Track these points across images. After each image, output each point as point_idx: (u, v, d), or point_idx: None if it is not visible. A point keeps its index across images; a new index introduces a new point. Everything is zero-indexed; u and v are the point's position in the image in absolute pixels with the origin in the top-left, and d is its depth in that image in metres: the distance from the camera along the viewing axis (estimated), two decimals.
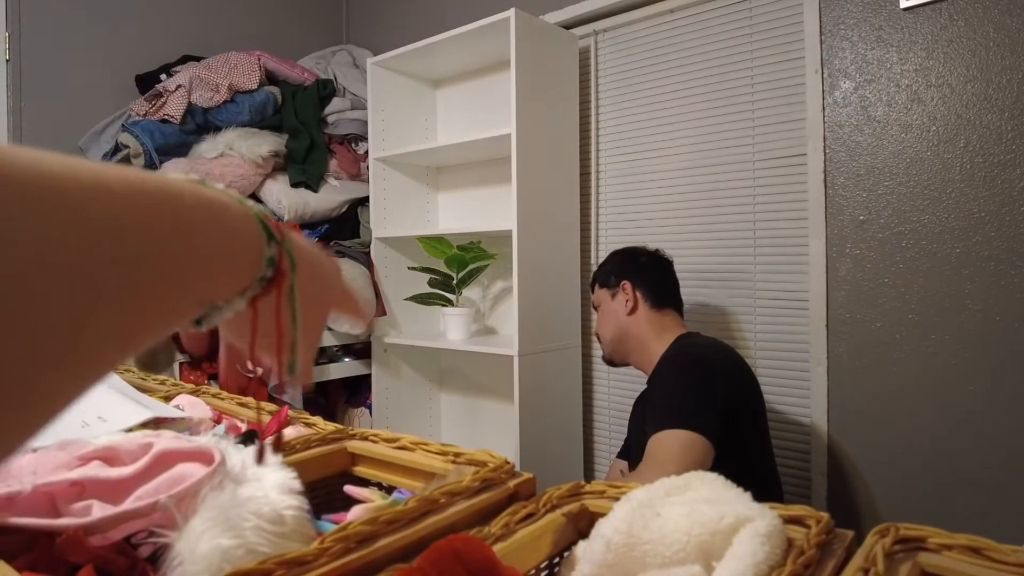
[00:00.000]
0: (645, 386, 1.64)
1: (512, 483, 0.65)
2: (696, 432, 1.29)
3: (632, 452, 1.66)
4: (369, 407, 2.44)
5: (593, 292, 1.75)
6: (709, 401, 1.36)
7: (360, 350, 2.44)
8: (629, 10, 2.23)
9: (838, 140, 1.79)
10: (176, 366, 1.94)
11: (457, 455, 0.71)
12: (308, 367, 0.44)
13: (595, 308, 1.75)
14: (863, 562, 0.51)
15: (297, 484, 0.55)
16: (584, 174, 2.33)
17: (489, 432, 2.50)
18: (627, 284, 1.64)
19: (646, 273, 1.67)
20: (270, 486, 0.55)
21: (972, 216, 1.59)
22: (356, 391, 2.53)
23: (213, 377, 1.97)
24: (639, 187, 2.22)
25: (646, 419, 1.43)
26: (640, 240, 1.89)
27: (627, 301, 1.63)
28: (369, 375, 2.44)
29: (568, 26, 2.35)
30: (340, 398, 2.52)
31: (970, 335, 1.60)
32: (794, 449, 1.87)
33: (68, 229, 0.21)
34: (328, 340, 2.29)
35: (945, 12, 1.62)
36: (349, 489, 0.64)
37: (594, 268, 2.13)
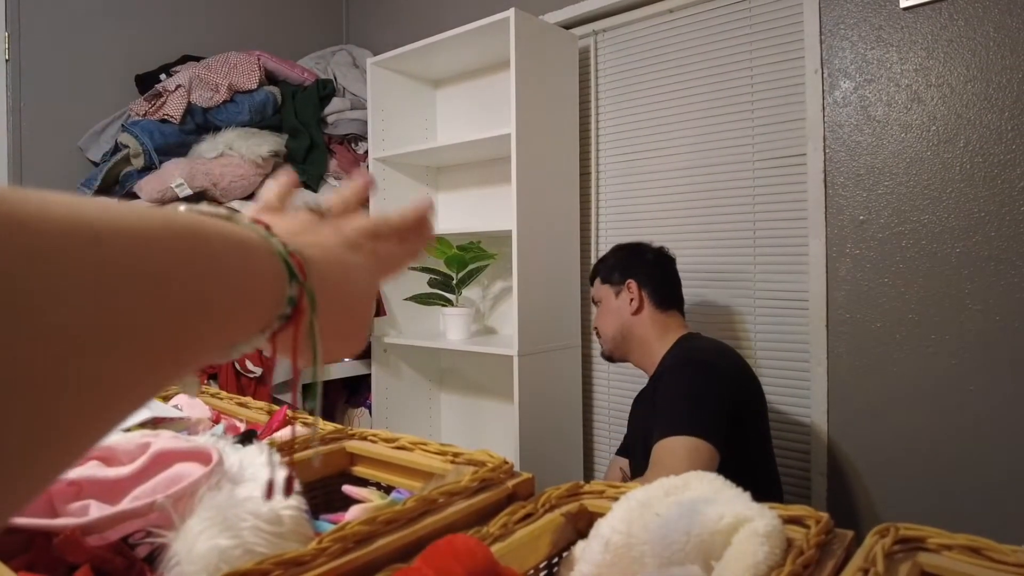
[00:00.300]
0: (645, 384, 1.64)
1: (511, 483, 0.65)
2: (702, 438, 1.29)
3: (632, 451, 1.66)
4: (369, 407, 2.44)
5: (593, 285, 1.73)
6: (714, 405, 1.36)
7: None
8: (629, 10, 2.22)
9: (838, 140, 1.79)
10: None
11: (456, 455, 0.71)
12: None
13: (595, 302, 1.73)
14: (863, 562, 0.51)
15: (295, 484, 0.55)
16: (584, 174, 2.33)
17: (489, 432, 2.50)
18: (633, 283, 1.63)
19: (652, 272, 1.66)
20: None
21: (972, 216, 1.59)
22: (356, 391, 2.53)
23: (213, 377, 1.97)
24: (639, 187, 2.22)
25: (650, 422, 1.43)
26: (640, 240, 1.87)
27: (632, 300, 1.62)
28: (369, 375, 2.44)
29: (568, 26, 2.35)
30: (340, 398, 2.52)
31: (970, 335, 1.59)
32: (794, 449, 1.87)
33: (89, 280, 0.20)
34: None
35: (945, 12, 1.62)
36: (347, 489, 0.64)
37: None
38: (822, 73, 1.80)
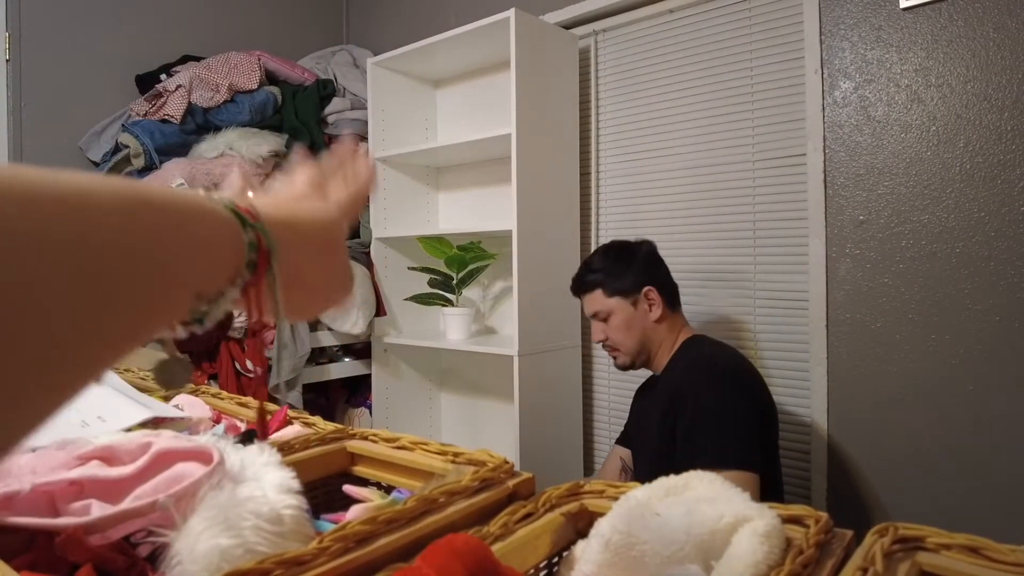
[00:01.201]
0: (644, 375, 1.65)
1: (511, 483, 0.65)
2: (750, 471, 1.30)
3: (636, 444, 1.65)
4: (369, 407, 2.44)
5: (587, 296, 1.63)
6: (753, 431, 1.37)
7: (360, 350, 2.44)
8: (629, 10, 2.23)
9: (838, 140, 1.79)
10: None
11: (456, 455, 0.71)
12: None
13: (597, 316, 1.61)
14: (862, 561, 0.51)
15: (296, 484, 0.55)
16: (584, 174, 2.33)
17: (489, 432, 2.50)
18: (652, 291, 1.57)
19: (658, 271, 1.61)
20: (269, 486, 0.55)
21: (972, 216, 1.59)
22: (356, 391, 2.53)
23: (213, 377, 1.97)
24: (639, 187, 2.22)
25: (682, 435, 1.40)
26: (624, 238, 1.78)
27: (652, 307, 1.56)
28: (369, 375, 2.44)
29: (568, 26, 2.35)
30: (340, 398, 2.52)
31: (970, 335, 1.59)
32: (794, 449, 1.87)
33: (68, 228, 0.23)
34: (328, 340, 2.29)
35: (945, 12, 1.62)
36: (348, 489, 0.64)
37: None
38: (822, 73, 1.81)
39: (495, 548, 0.56)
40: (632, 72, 2.24)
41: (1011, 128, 1.54)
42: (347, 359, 2.42)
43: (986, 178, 1.58)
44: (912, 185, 1.68)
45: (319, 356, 2.28)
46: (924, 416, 1.66)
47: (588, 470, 2.31)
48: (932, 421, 1.64)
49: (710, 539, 0.54)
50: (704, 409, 1.39)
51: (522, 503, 0.62)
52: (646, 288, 1.57)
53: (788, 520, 0.59)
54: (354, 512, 0.60)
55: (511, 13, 2.02)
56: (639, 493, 0.59)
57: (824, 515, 0.60)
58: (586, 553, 0.57)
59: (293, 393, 2.03)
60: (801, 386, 1.87)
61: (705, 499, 0.58)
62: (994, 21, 1.56)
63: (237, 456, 0.60)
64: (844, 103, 1.78)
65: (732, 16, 2.00)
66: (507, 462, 0.66)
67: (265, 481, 0.55)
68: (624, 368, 1.65)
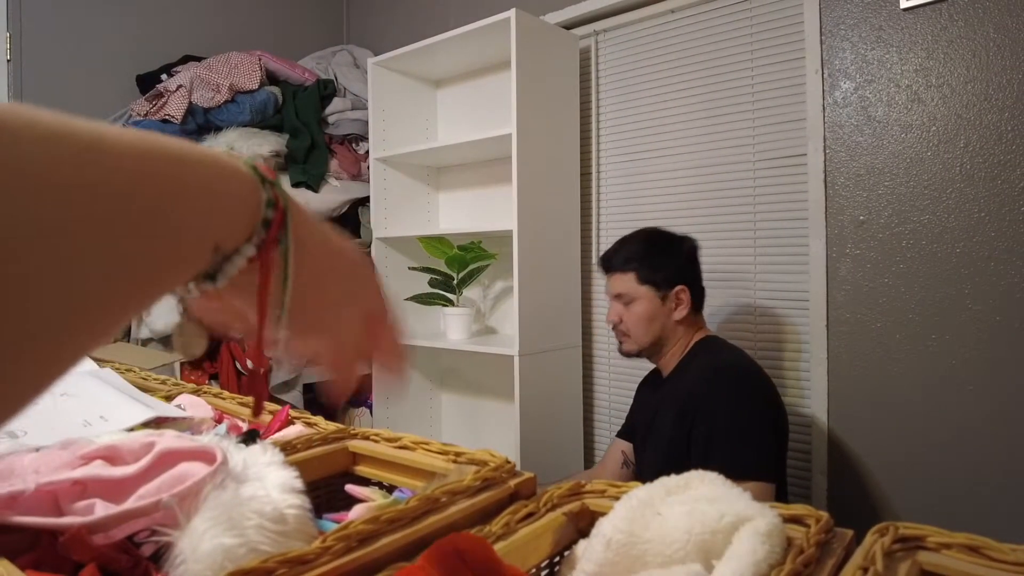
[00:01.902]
0: (646, 367, 1.65)
1: (513, 482, 0.65)
2: (767, 481, 1.32)
3: (640, 439, 1.64)
4: (370, 407, 2.44)
5: (614, 274, 1.59)
6: (769, 439, 1.39)
7: None
8: (630, 10, 2.23)
9: (838, 140, 1.79)
10: (177, 366, 1.94)
11: (458, 455, 0.71)
12: (344, 374, 0.43)
13: (621, 299, 1.58)
14: (862, 561, 0.51)
15: (299, 483, 0.56)
16: (585, 174, 2.33)
17: (490, 432, 2.50)
18: (684, 291, 1.54)
19: (696, 273, 1.59)
20: (272, 485, 0.55)
21: (972, 216, 1.60)
22: (358, 391, 2.52)
23: (214, 377, 1.97)
24: (640, 187, 2.23)
25: (699, 442, 1.40)
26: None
27: (679, 307, 1.54)
28: (370, 375, 2.44)
29: (569, 26, 2.35)
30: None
31: (970, 336, 1.60)
32: (794, 448, 1.87)
33: (84, 172, 0.23)
34: None
35: (945, 12, 1.62)
36: (350, 488, 0.65)
37: (595, 265, 2.13)
38: (823, 73, 1.81)
39: (497, 548, 0.56)
40: (633, 72, 2.24)
41: (1011, 129, 1.55)
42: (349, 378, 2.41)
43: (986, 178, 1.58)
44: (912, 185, 1.68)
45: None
46: (924, 416, 1.66)
47: (591, 466, 2.31)
48: (932, 421, 1.65)
49: (711, 539, 0.54)
50: (723, 418, 1.38)
51: (523, 503, 0.62)
52: (679, 287, 1.54)
53: (789, 520, 0.60)
54: (356, 512, 0.60)
55: (511, 13, 2.02)
56: (641, 492, 0.59)
57: (825, 515, 0.61)
58: (588, 553, 0.57)
59: (294, 393, 2.04)
60: (802, 386, 1.87)
61: (706, 498, 0.58)
62: (995, 22, 1.56)
63: (240, 456, 0.60)
64: (844, 103, 1.78)
65: (733, 16, 2.00)
66: (508, 462, 0.66)
67: (268, 481, 0.56)
68: (627, 355, 1.63)
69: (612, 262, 1.61)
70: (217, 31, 2.78)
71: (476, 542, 0.47)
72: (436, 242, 2.26)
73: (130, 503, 0.52)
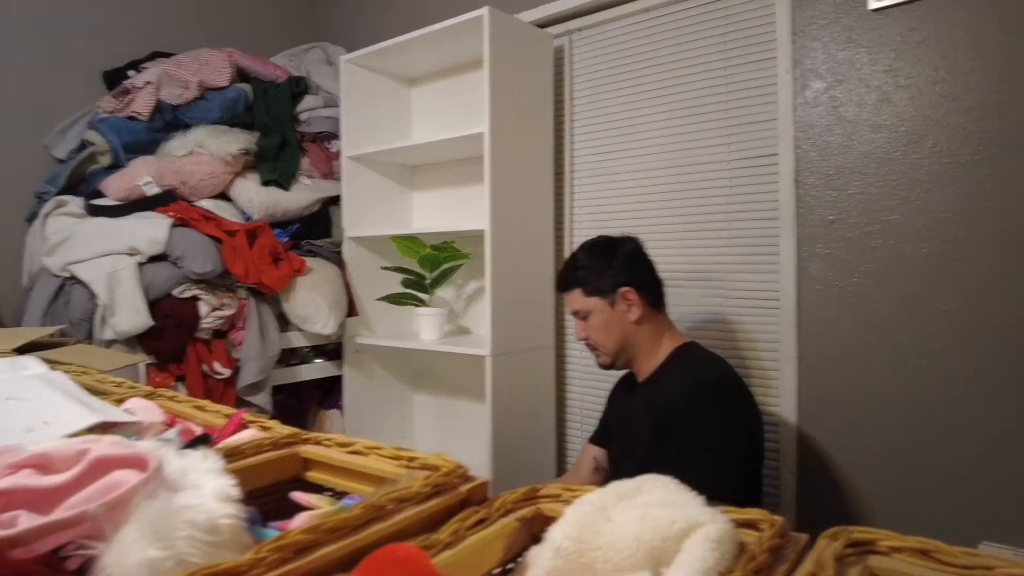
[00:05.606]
0: (627, 373, 1.64)
1: (464, 488, 0.64)
2: (730, 497, 1.30)
3: (616, 446, 1.63)
4: (341, 409, 2.42)
5: (568, 294, 1.61)
6: (739, 455, 1.39)
7: (332, 351, 2.41)
8: (604, 9, 2.22)
9: (809, 140, 1.79)
10: (142, 368, 1.90)
11: (411, 459, 0.69)
12: None
13: (578, 314, 1.59)
14: (812, 567, 0.50)
15: (236, 491, 0.54)
16: (558, 173, 2.32)
17: (463, 433, 2.49)
18: (630, 292, 1.53)
19: (641, 271, 1.57)
20: (208, 494, 0.53)
21: (939, 217, 1.60)
22: (329, 393, 2.50)
23: (180, 379, 1.93)
24: (614, 187, 2.22)
25: (662, 446, 1.40)
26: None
27: (631, 307, 1.53)
28: (341, 376, 2.42)
29: (543, 25, 2.34)
30: (312, 400, 2.49)
31: (938, 335, 1.60)
32: (765, 447, 1.87)
33: None
34: (299, 341, 2.26)
35: (914, 14, 1.63)
36: (295, 495, 0.63)
37: None
38: (794, 73, 1.81)
39: (444, 556, 0.55)
40: (607, 71, 2.24)
41: (977, 129, 1.56)
42: (319, 360, 2.38)
43: (953, 179, 1.59)
44: (881, 185, 1.69)
45: (290, 357, 2.25)
46: (893, 414, 1.67)
47: (561, 471, 2.30)
48: (901, 419, 1.65)
49: (662, 545, 0.53)
50: (697, 436, 1.36)
51: (475, 509, 0.61)
52: (623, 289, 1.53)
53: (743, 524, 0.59)
54: (299, 520, 0.58)
55: (485, 11, 2.00)
56: (592, 498, 0.58)
57: (780, 519, 0.60)
58: (537, 560, 0.56)
59: (262, 395, 2.00)
60: (772, 384, 1.87)
61: (658, 504, 0.57)
62: (963, 23, 1.57)
63: (178, 463, 0.58)
64: (815, 103, 1.79)
65: (706, 16, 2.00)
66: (460, 467, 0.64)
67: (205, 489, 0.54)
68: (605, 367, 1.62)
69: (561, 282, 1.64)
70: (187, 28, 2.73)
71: (413, 553, 0.45)
72: (409, 242, 2.24)
73: (57, 514, 0.50)
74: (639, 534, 0.54)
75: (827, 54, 1.77)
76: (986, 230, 1.54)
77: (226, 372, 1.94)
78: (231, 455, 0.71)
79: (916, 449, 1.63)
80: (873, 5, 1.68)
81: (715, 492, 1.30)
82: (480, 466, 2.01)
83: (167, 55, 2.51)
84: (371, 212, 2.50)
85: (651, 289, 1.57)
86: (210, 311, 1.95)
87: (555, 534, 0.56)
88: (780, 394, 1.84)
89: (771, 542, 0.56)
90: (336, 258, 2.37)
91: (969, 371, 1.56)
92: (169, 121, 2.33)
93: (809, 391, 1.79)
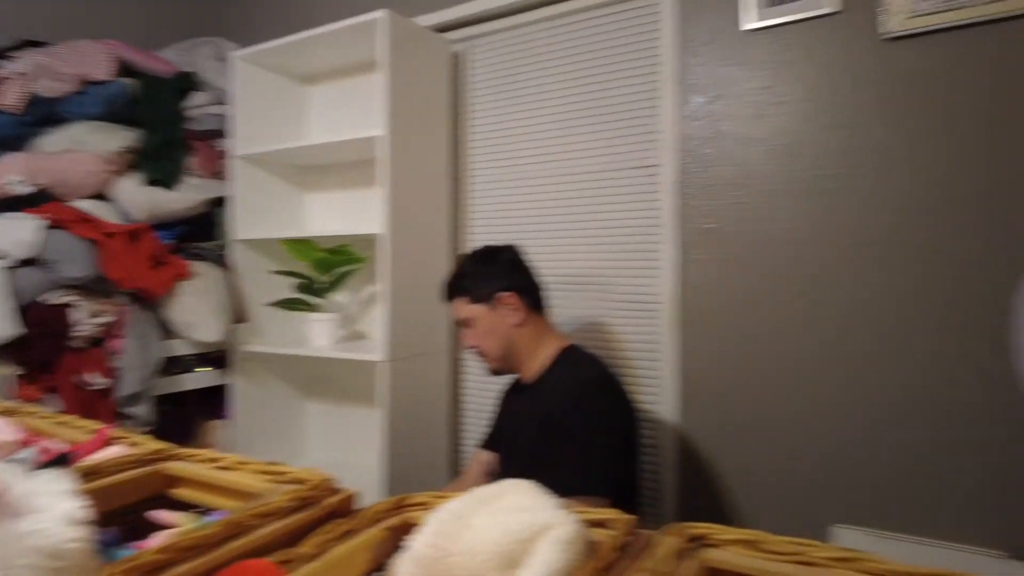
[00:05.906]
0: (515, 378, 1.67)
1: (332, 500, 0.64)
2: (603, 496, 1.33)
3: (505, 449, 1.66)
4: (228, 419, 2.33)
5: (452, 303, 1.65)
6: (613, 454, 1.42)
7: (218, 359, 2.32)
8: (501, 17, 2.25)
9: (689, 152, 1.89)
10: (13, 380, 1.78)
11: (281, 473, 0.69)
12: None
13: (461, 323, 1.64)
14: (650, 562, 0.55)
15: (83, 514, 0.52)
16: (455, 178, 2.34)
17: (358, 441, 2.45)
18: (511, 296, 1.57)
19: (521, 277, 1.62)
20: (54, 517, 0.51)
21: (810, 225, 1.73)
22: (216, 403, 2.39)
23: (53, 391, 1.82)
24: (509, 193, 2.26)
25: (540, 443, 1.44)
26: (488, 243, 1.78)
27: (514, 311, 1.57)
28: (228, 385, 2.34)
29: (441, 30, 2.35)
30: (197, 411, 2.37)
31: (809, 338, 1.73)
32: (645, 445, 1.95)
33: None
34: (182, 348, 2.16)
35: (786, 36, 1.75)
36: (153, 514, 0.62)
37: None
38: (677, 88, 1.90)
39: (307, 568, 0.55)
40: (503, 78, 2.27)
41: (836, 147, 1.69)
42: (205, 369, 2.29)
43: (819, 192, 1.71)
44: (755, 196, 1.80)
45: (173, 366, 2.15)
46: (769, 412, 1.78)
47: (456, 476, 2.32)
48: (779, 417, 1.77)
49: (517, 548, 0.56)
50: (577, 432, 1.41)
51: (341, 520, 0.62)
52: (504, 294, 1.57)
53: (596, 524, 0.62)
54: (157, 540, 0.58)
55: (382, 14, 2.00)
56: (453, 505, 0.60)
57: (631, 518, 0.64)
58: (398, 569, 0.57)
59: (143, 406, 1.92)
60: (653, 384, 1.95)
61: (515, 508, 0.59)
62: (837, 44, 1.69)
63: (25, 485, 0.56)
64: (695, 117, 1.88)
65: (599, 29, 2.08)
66: (328, 479, 0.65)
67: (51, 513, 0.52)
68: (495, 374, 1.66)
69: (446, 291, 1.67)
70: (64, 15, 2.57)
71: (264, 567, 0.46)
72: (301, 245, 2.20)
73: None
74: (496, 538, 0.56)
75: (707, 70, 1.87)
76: (853, 240, 1.67)
77: (102, 382, 1.85)
78: (90, 474, 0.69)
79: (794, 447, 1.75)
80: (745, 27, 1.79)
81: (597, 489, 1.35)
82: (374, 473, 2.00)
83: (40, 44, 2.35)
84: (261, 214, 2.43)
85: (531, 293, 1.62)
86: (85, 318, 1.85)
87: (415, 542, 0.57)
88: (661, 394, 1.93)
89: (622, 540, 0.60)
90: (223, 262, 2.29)
91: (838, 373, 1.69)
92: (45, 115, 2.18)
93: (689, 391, 1.89)
